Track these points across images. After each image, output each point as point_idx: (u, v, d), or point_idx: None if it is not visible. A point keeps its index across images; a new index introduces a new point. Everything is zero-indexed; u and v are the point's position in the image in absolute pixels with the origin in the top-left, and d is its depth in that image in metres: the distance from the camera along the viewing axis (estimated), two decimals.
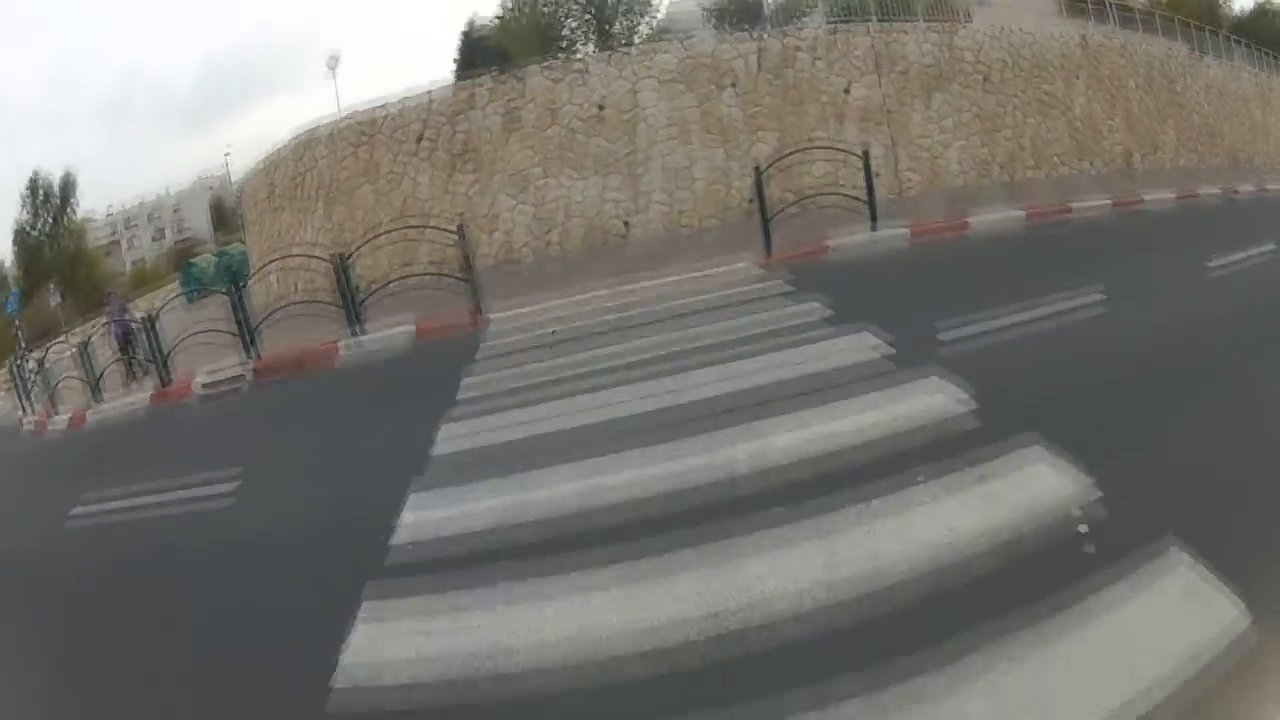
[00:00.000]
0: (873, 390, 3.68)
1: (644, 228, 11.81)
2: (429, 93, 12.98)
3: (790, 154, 10.54)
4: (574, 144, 11.87)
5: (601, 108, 11.86)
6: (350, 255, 9.00)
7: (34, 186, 37.81)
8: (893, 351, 4.26)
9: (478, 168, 12.35)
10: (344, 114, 14.54)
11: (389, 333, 7.99)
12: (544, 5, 16.75)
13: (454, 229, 8.81)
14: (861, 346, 4.45)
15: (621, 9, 15.75)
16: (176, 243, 55.56)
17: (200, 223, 55.32)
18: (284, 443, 5.55)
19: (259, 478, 4.48)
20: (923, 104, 13.54)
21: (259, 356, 8.28)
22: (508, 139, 12.18)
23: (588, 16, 16.09)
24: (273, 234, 16.70)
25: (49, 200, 38.84)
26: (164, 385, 8.37)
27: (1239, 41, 22.81)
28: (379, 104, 13.66)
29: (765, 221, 9.24)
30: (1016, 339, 4.47)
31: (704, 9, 14.48)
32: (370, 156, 13.61)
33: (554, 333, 6.72)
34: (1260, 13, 29.79)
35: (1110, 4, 20.02)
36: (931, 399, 3.46)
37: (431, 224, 12.65)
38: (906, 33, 13.53)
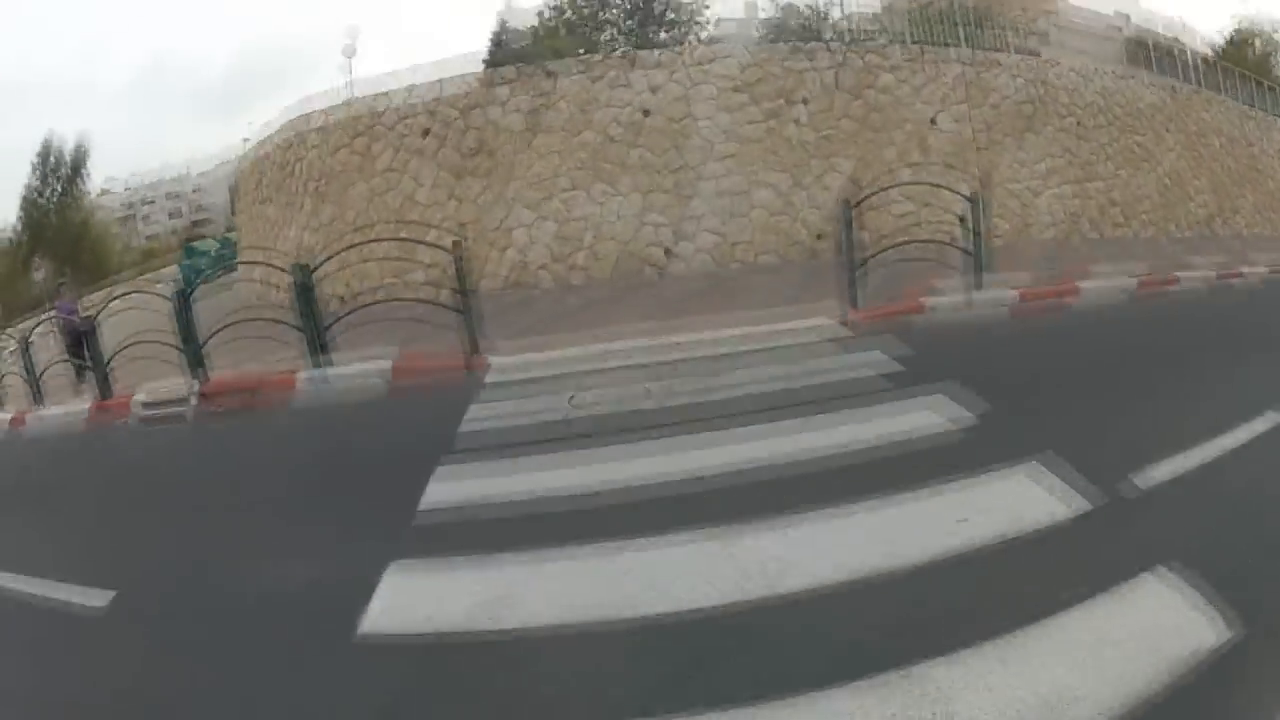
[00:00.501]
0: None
1: (689, 259, 9.30)
2: (440, 81, 10.51)
3: (882, 189, 8.00)
4: (610, 153, 9.40)
5: (647, 113, 9.42)
6: (317, 267, 6.42)
7: (45, 153, 35.40)
8: (1087, 506, 2.47)
9: (491, 172, 9.85)
10: (341, 101, 12.01)
11: (360, 368, 5.70)
12: (584, 7, 14.26)
13: (449, 245, 6.30)
14: (1049, 498, 2.57)
15: (667, 20, 13.31)
16: (192, 223, 53.48)
17: (219, 205, 53.30)
18: (182, 539, 3.23)
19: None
20: (1014, 144, 11.21)
21: (206, 378, 5.93)
22: (530, 141, 9.70)
23: (630, 23, 13.57)
24: (259, 228, 14.26)
25: (60, 168, 36.39)
26: (103, 398, 6.51)
27: None
28: (382, 91, 11.17)
29: (853, 268, 6.70)
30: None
31: (760, 23, 11.94)
32: (367, 150, 11.13)
33: (572, 399, 4.39)
34: None
35: (1177, 55, 17.77)
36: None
37: (424, 234, 10.22)
38: (999, 63, 11.22)
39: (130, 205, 55.24)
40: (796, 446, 3.23)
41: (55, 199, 35.78)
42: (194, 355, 6.01)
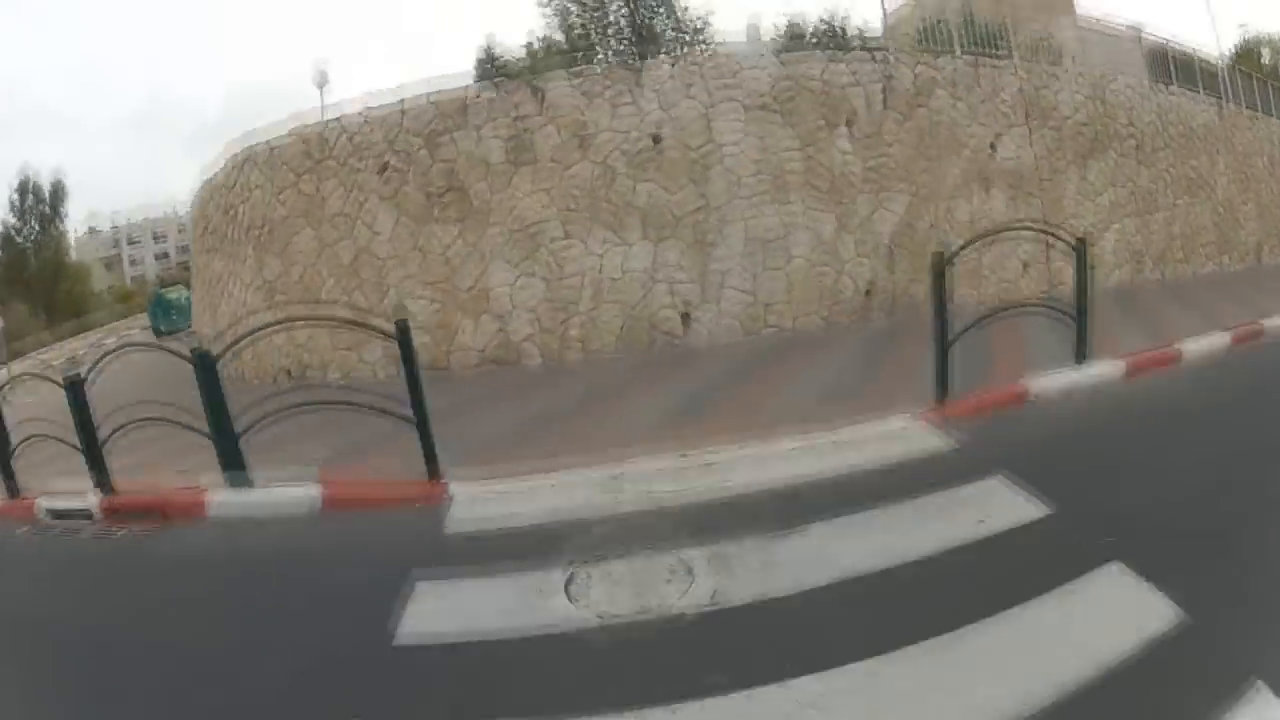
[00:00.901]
0: None
1: (712, 324, 7.13)
2: (401, 103, 8.34)
3: (980, 239, 5.80)
4: (613, 190, 7.26)
5: (658, 138, 7.30)
6: (221, 355, 4.28)
7: (23, 189, 33.04)
8: None
9: (464, 215, 7.68)
10: (288, 128, 9.76)
11: (284, 492, 3.93)
12: (576, 28, 12.12)
13: (392, 327, 4.15)
14: None
15: (668, 39, 11.29)
16: (163, 270, 51.37)
17: None
18: None
19: None
20: (1077, 173, 9.27)
21: (111, 489, 4.31)
22: (512, 176, 7.54)
23: (624, 44, 11.46)
24: (207, 283, 11.94)
25: (39, 204, 34.06)
26: (10, 496, 4.95)
27: None
28: (334, 118, 8.99)
29: (945, 346, 4.62)
30: None
31: (774, 37, 9.83)
32: (316, 190, 8.91)
33: (570, 583, 2.70)
34: None
35: (1199, 68, 16.00)
36: None
37: (380, 298, 7.99)
38: (1057, 77, 9.31)
39: (116, 245, 53.45)
40: None
41: (33, 237, 33.72)
42: (91, 455, 4.27)
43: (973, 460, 3.41)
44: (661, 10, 10.81)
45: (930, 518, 2.88)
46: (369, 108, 8.68)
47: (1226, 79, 13.44)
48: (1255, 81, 15.04)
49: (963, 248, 5.25)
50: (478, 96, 7.86)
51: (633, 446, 3.97)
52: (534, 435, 4.57)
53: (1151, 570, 2.28)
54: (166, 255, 54.39)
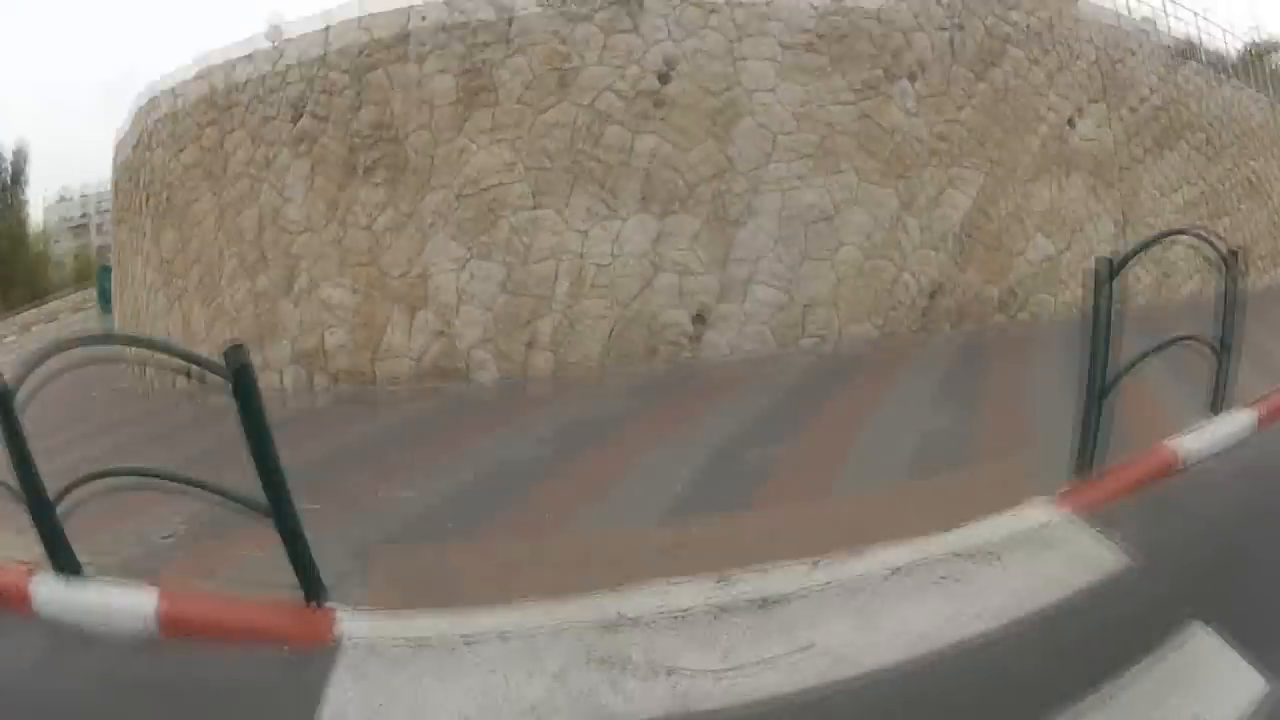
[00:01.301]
0: None
1: (733, 332, 5.02)
2: (326, 30, 6.16)
3: (1151, 244, 3.80)
4: (602, 144, 5.12)
5: (665, 78, 5.19)
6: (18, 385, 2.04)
7: None
8: None
9: (397, 174, 5.51)
10: (192, 75, 7.43)
11: (116, 600, 2.07)
12: None
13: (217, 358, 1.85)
14: None
15: None
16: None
17: None
18: None
19: None
20: (1154, 163, 7.52)
21: None
22: (464, 122, 5.40)
23: None
24: (117, 255, 9.97)
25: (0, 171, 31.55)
26: None
27: None
28: (245, 55, 6.76)
29: (1098, 394, 2.64)
30: None
31: None
32: (219, 145, 6.72)
33: None
34: None
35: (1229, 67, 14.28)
36: None
37: (251, 295, 5.79)
38: (1133, 51, 7.53)
39: (85, 215, 51.11)
40: None
41: None
42: None
43: (1156, 588, 2.02)
44: None
45: None
46: (285, 38, 6.46)
47: (1259, 77, 11.97)
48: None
49: (1135, 252, 3.22)
50: (423, 19, 5.68)
51: (636, 553, 2.10)
52: (479, 515, 2.64)
53: None
54: None
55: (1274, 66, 20.79)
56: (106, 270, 22.67)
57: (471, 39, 5.50)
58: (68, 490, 2.29)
